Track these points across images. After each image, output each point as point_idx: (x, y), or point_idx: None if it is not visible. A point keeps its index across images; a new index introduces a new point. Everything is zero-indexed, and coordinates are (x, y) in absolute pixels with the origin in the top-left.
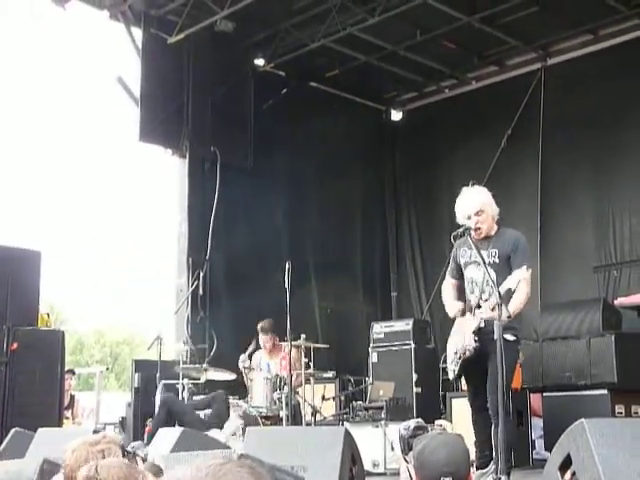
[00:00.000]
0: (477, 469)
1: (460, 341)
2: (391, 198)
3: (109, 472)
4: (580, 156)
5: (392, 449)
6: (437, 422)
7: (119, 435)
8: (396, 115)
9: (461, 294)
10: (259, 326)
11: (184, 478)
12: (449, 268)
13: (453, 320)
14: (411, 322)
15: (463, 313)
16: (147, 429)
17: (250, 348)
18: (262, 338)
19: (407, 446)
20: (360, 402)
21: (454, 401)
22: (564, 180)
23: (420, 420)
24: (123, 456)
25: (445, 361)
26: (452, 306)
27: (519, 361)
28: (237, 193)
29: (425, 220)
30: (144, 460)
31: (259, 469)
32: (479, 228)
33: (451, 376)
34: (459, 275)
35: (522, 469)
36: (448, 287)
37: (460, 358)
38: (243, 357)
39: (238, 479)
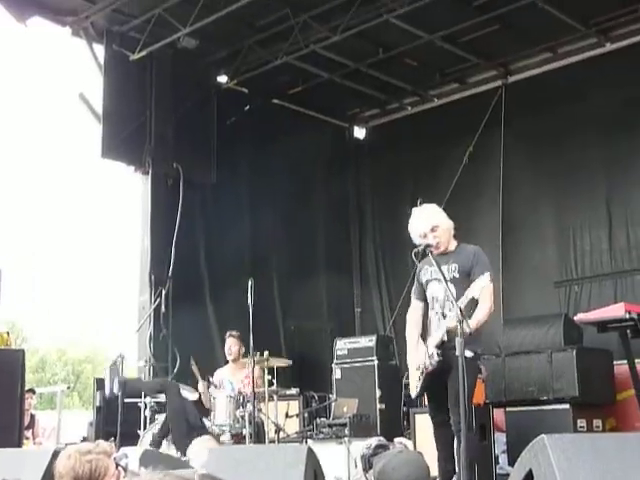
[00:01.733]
0: None
1: (422, 357)
2: (355, 214)
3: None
4: (541, 172)
5: (355, 466)
6: (397, 440)
7: (112, 445)
8: (359, 132)
9: (426, 318)
10: (228, 333)
11: None
12: (413, 289)
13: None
14: (374, 338)
15: (423, 338)
16: None
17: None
18: (230, 342)
19: (368, 464)
20: (324, 419)
21: (417, 417)
22: (525, 196)
23: (381, 438)
24: (116, 467)
25: (407, 377)
26: (410, 335)
27: (481, 376)
28: (200, 209)
29: (389, 236)
30: (125, 469)
31: None
32: (438, 243)
33: (414, 394)
34: (423, 296)
35: None
36: (412, 313)
37: (422, 373)
38: (201, 384)
39: None
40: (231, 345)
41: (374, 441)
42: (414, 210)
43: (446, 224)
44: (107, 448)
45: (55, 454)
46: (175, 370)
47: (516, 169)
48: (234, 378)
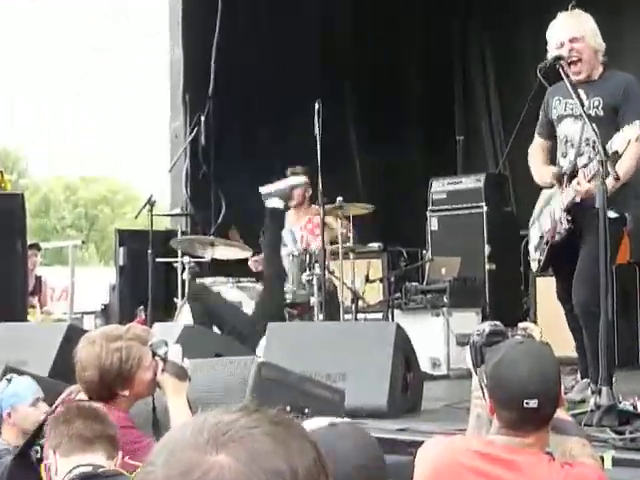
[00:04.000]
0: (582, 378)
1: (547, 222)
2: (459, 20)
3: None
4: None
5: (458, 343)
6: (521, 325)
7: (148, 330)
8: None
9: (554, 160)
10: (290, 170)
11: (181, 442)
12: (538, 124)
13: (540, 188)
14: (483, 177)
15: (559, 179)
16: (138, 320)
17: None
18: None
19: (480, 357)
20: (416, 284)
21: (540, 282)
22: None
23: (498, 323)
24: (153, 357)
25: (528, 242)
26: (542, 171)
27: (626, 229)
28: (247, 8)
29: (502, 48)
30: (164, 360)
31: (285, 426)
32: (576, 61)
33: (535, 267)
34: (550, 133)
35: (628, 369)
36: (536, 150)
37: (547, 244)
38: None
39: (250, 446)
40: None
41: (487, 326)
42: (559, 14)
43: (595, 42)
44: (142, 333)
45: (71, 331)
46: (219, 221)
47: None
48: (295, 225)
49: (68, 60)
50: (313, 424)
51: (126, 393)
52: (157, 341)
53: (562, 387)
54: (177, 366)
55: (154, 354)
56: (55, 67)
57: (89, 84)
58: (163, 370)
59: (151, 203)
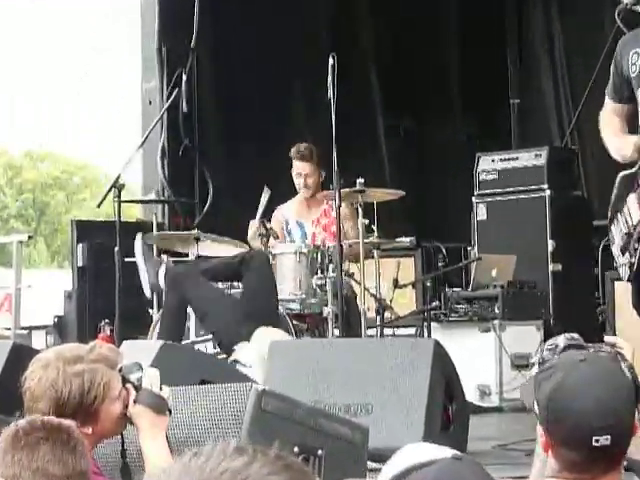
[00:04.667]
0: None
1: (636, 211)
2: None
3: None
4: None
5: (513, 366)
6: (607, 340)
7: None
8: None
9: (632, 128)
10: (294, 149)
11: None
12: (609, 85)
13: (619, 165)
14: (545, 152)
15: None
16: (102, 337)
17: (261, 206)
18: (300, 166)
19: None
20: (458, 290)
21: (619, 287)
22: None
23: (576, 336)
24: (123, 385)
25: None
26: (618, 143)
27: None
28: None
29: None
30: (138, 388)
31: (301, 473)
32: None
33: (625, 274)
34: (626, 96)
35: None
36: (610, 116)
37: (638, 240)
38: (254, 222)
39: None
40: (302, 169)
41: (562, 340)
42: None
43: None
44: (109, 354)
45: (16, 351)
46: (205, 209)
47: None
48: (306, 219)
49: (68, 60)
50: (430, 452)
51: (89, 430)
52: (128, 364)
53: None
54: (154, 395)
55: (125, 380)
56: (55, 67)
57: (89, 84)
58: (136, 401)
59: (118, 187)
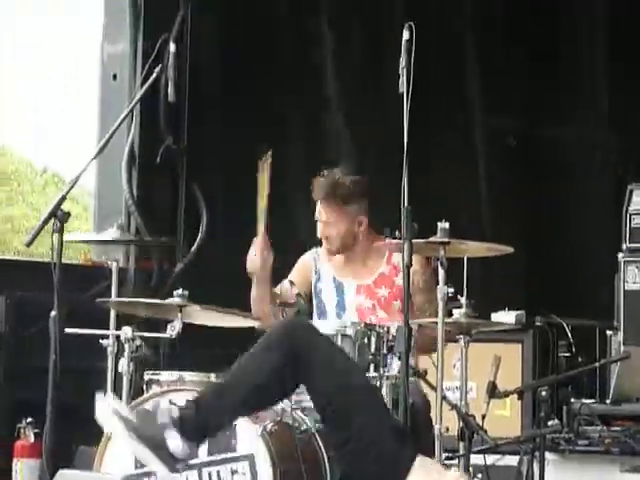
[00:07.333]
0: None
1: None
2: None
3: None
4: None
5: None
6: None
7: None
8: None
9: None
10: (315, 182)
11: None
12: None
13: None
14: None
15: None
16: (20, 445)
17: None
18: (317, 207)
19: None
20: (591, 402)
21: None
22: None
23: None
24: None
25: None
26: None
27: None
28: None
29: None
30: None
31: None
32: None
33: None
34: None
35: None
36: None
37: None
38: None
39: None
40: (317, 213)
41: None
42: None
43: None
44: None
45: None
46: (194, 247)
47: None
48: (347, 277)
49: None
50: None
51: None
52: None
53: None
54: None
55: None
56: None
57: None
58: None
59: (59, 217)
